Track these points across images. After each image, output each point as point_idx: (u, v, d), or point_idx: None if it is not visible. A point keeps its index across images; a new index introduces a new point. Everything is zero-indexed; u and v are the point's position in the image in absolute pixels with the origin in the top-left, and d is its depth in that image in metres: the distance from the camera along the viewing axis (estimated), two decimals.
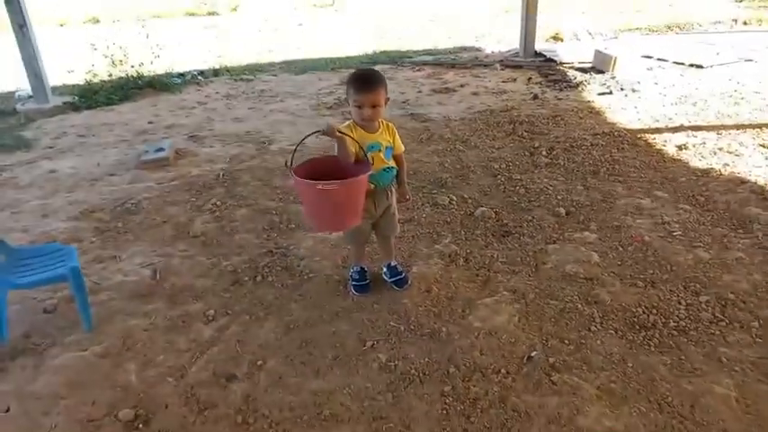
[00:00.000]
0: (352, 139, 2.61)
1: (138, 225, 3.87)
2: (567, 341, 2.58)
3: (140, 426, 2.24)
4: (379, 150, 2.71)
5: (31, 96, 6.94)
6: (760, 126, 5.09)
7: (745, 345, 2.50)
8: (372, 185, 2.75)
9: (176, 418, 2.28)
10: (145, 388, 2.44)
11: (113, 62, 7.59)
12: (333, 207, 2.52)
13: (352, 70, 2.87)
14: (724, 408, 2.18)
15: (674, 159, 4.50)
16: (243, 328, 2.78)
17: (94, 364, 2.58)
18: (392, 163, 2.81)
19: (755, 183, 3.98)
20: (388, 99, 2.69)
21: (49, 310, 2.99)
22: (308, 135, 2.64)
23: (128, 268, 3.35)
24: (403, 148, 2.89)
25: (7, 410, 2.33)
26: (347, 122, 2.73)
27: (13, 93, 7.38)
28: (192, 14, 15.96)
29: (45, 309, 3.00)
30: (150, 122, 6.21)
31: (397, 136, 2.83)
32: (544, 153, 4.72)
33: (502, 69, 7.82)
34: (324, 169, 2.59)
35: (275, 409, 2.29)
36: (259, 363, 2.55)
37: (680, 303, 2.78)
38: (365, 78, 2.61)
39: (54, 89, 7.27)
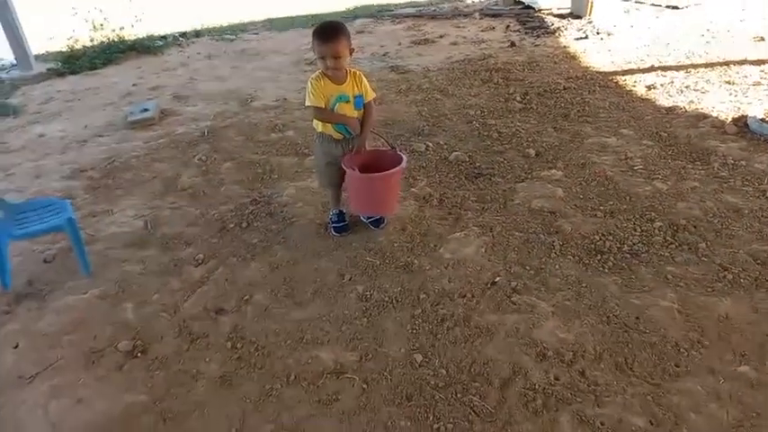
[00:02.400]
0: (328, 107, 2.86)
1: (129, 181, 4.05)
2: (528, 267, 2.80)
3: (139, 354, 2.48)
4: (348, 101, 2.87)
5: (14, 65, 6.99)
6: (727, 63, 5.23)
7: (691, 263, 2.73)
8: (341, 135, 2.95)
9: (171, 347, 2.51)
10: (141, 323, 2.66)
11: (94, 26, 7.61)
12: (372, 193, 3.01)
13: None
14: (666, 318, 2.41)
15: (643, 99, 4.66)
16: (230, 269, 3.00)
17: (94, 304, 2.80)
18: (359, 112, 2.96)
19: (717, 117, 4.15)
20: (353, 50, 2.83)
21: (48, 260, 3.19)
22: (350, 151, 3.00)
23: (121, 220, 3.54)
24: (374, 94, 3.03)
25: (16, 346, 2.55)
26: (316, 73, 2.88)
27: None
28: None
29: (45, 259, 3.20)
30: (134, 85, 6.30)
31: (366, 83, 2.97)
32: (518, 98, 4.86)
33: (481, 18, 7.86)
34: (370, 161, 3.00)
35: (261, 336, 2.53)
36: (246, 298, 2.78)
37: (635, 230, 3.00)
38: (326, 30, 2.74)
39: (37, 57, 7.31)
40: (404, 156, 2.97)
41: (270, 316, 2.65)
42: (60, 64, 7.01)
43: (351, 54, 2.82)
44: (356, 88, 2.91)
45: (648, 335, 2.34)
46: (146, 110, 5.18)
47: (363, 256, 3.00)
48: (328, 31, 2.75)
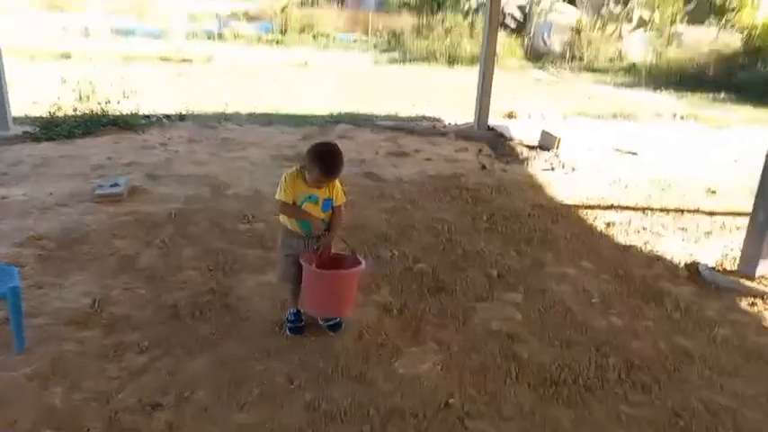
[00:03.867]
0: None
1: (84, 255, 3.92)
2: (483, 392, 2.75)
3: None
4: (316, 203, 2.94)
5: None
6: (681, 211, 5.55)
7: (644, 405, 2.73)
8: (305, 233, 2.98)
9: None
10: (69, 410, 2.47)
11: (80, 97, 7.70)
12: (326, 291, 3.06)
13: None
14: None
15: (602, 234, 4.86)
16: (175, 360, 2.86)
17: (21, 384, 2.61)
18: (326, 215, 3.03)
19: (670, 261, 4.34)
20: None
21: None
22: (318, 243, 3.04)
23: (68, 296, 3.39)
24: (344, 199, 3.10)
25: None
26: (293, 170, 2.97)
27: None
28: (167, 60, 16.25)
29: None
30: (109, 158, 6.29)
31: (339, 188, 3.05)
32: (485, 219, 5.02)
33: (456, 140, 8.26)
34: (329, 263, 3.04)
35: None
36: (186, 394, 2.63)
37: (590, 363, 3.01)
38: (335, 167, 2.90)
39: (16, 119, 7.29)
40: (363, 261, 3.01)
41: (209, 417, 2.50)
42: (38, 129, 6.99)
43: None
44: (328, 192, 2.98)
45: None
46: (116, 185, 5.14)
47: (316, 361, 2.91)
48: (336, 167, 2.90)
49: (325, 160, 2.88)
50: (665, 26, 20.54)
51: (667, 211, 5.57)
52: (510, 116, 10.33)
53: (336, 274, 2.99)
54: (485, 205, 5.41)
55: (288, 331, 3.13)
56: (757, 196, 4.00)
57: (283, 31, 24.40)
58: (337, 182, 3.04)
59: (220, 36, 22.28)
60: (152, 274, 3.72)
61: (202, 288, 3.56)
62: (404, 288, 3.73)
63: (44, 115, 7.41)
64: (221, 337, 3.08)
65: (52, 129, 7.01)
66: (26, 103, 8.41)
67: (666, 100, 13.97)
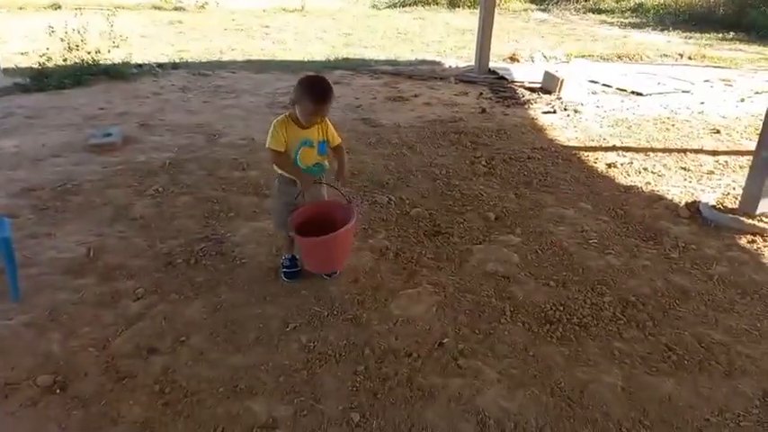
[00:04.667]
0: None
1: (78, 205, 3.90)
2: (477, 331, 2.76)
3: (58, 391, 2.31)
4: (311, 146, 2.87)
5: None
6: (684, 151, 5.45)
7: (638, 341, 2.73)
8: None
9: (94, 385, 2.34)
10: (66, 356, 2.49)
11: (69, 47, 7.53)
12: (321, 253, 2.96)
13: (309, 73, 3.01)
14: (609, 394, 2.38)
15: (603, 176, 4.79)
16: (171, 307, 2.86)
17: (18, 332, 2.62)
18: (323, 158, 2.96)
19: (671, 200, 4.28)
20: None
21: None
22: (297, 196, 2.96)
23: (62, 245, 3.38)
24: (339, 140, 3.03)
25: None
26: (281, 116, 2.88)
27: None
28: (159, 8, 15.81)
29: None
30: (101, 108, 6.19)
31: (332, 129, 2.98)
32: (484, 162, 4.94)
33: (456, 83, 8.09)
34: (314, 215, 2.97)
35: (193, 381, 2.39)
36: (182, 339, 2.64)
37: (585, 302, 3.00)
38: (324, 92, 2.78)
39: (5, 71, 7.17)
40: (355, 212, 2.94)
41: (205, 360, 2.52)
42: (28, 80, 6.87)
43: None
44: (321, 134, 2.92)
45: (591, 410, 2.29)
46: (109, 134, 5.07)
47: (311, 304, 2.92)
48: (324, 95, 2.79)
49: (313, 88, 2.79)
50: None
51: (670, 151, 5.47)
52: (512, 59, 10.07)
53: (328, 239, 2.79)
54: (484, 149, 5.33)
55: (283, 276, 3.12)
56: (761, 134, 3.90)
57: None
58: (329, 122, 2.96)
59: None
60: (146, 222, 3.70)
61: (197, 236, 3.55)
62: (400, 233, 3.70)
63: (34, 66, 7.26)
64: (216, 283, 3.07)
65: (42, 80, 6.88)
66: (15, 54, 8.24)
67: (674, 40, 13.58)
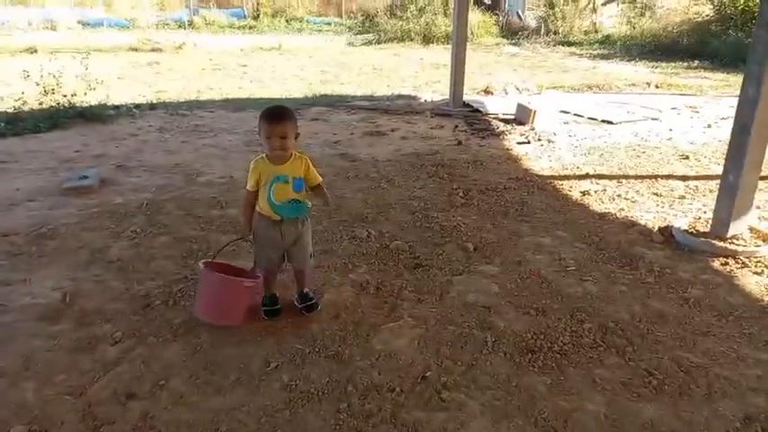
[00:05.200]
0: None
1: (53, 250, 3.85)
2: (459, 362, 2.75)
3: None
4: (286, 182, 2.87)
5: None
6: (655, 177, 5.59)
7: (618, 367, 2.75)
8: (279, 217, 2.92)
9: None
10: (41, 405, 2.43)
11: (45, 91, 7.53)
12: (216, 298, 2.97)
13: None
14: (593, 422, 2.38)
15: (577, 203, 4.88)
16: (149, 350, 2.82)
17: None
18: (302, 196, 2.95)
19: (645, 226, 4.37)
20: (298, 134, 2.89)
21: None
22: (227, 245, 3.25)
23: (37, 291, 3.33)
24: (320, 179, 3.03)
25: None
26: (259, 156, 2.91)
27: None
28: (136, 50, 15.94)
29: None
30: (77, 151, 6.17)
31: (312, 168, 2.98)
32: (461, 194, 5.01)
33: (432, 117, 8.24)
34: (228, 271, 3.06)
35: (172, 426, 2.34)
36: (161, 382, 2.59)
37: (565, 330, 3.02)
38: (274, 112, 2.83)
39: None
40: (259, 277, 3.03)
41: (185, 404, 2.47)
42: (3, 124, 6.83)
43: (296, 138, 2.87)
44: (298, 171, 2.92)
45: None
46: (85, 177, 5.05)
47: (293, 342, 2.89)
48: (275, 113, 2.84)
49: (267, 110, 2.86)
50: None
51: (642, 177, 5.61)
52: (486, 91, 10.31)
53: (229, 281, 2.92)
54: (461, 180, 5.40)
55: (263, 314, 3.10)
56: (727, 159, 4.03)
57: (256, 17, 24.06)
58: (308, 161, 2.96)
59: (191, 24, 21.92)
60: (123, 265, 3.66)
61: (175, 276, 3.52)
62: (380, 266, 3.71)
63: (9, 110, 7.23)
64: (195, 324, 3.03)
65: (17, 124, 6.87)
66: None
67: (641, 69, 14.04)
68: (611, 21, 21.88)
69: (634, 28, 19.65)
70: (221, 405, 2.46)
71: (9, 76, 9.52)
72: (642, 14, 20.16)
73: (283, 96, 9.79)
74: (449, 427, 2.34)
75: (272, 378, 2.64)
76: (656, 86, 11.57)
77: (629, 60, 15.65)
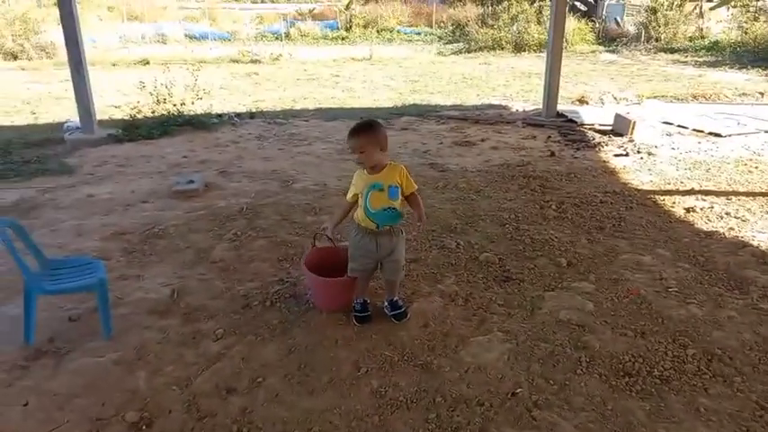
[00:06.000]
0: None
1: (163, 249, 4.15)
2: (552, 381, 2.69)
3: (144, 427, 2.42)
4: (381, 190, 2.95)
5: (78, 128, 7.45)
6: None
7: (725, 397, 2.58)
8: (375, 225, 3.00)
9: (177, 423, 2.45)
10: (151, 394, 2.62)
11: (158, 100, 8.14)
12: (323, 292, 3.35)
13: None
14: None
15: (681, 221, 4.62)
16: (248, 348, 2.97)
17: (109, 369, 2.79)
18: (397, 204, 3.01)
19: (758, 247, 4.06)
20: (383, 147, 2.97)
21: (73, 319, 3.23)
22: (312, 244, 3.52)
23: (149, 286, 3.60)
24: (415, 187, 3.08)
25: (26, 404, 2.54)
26: (360, 167, 3.02)
27: (64, 123, 7.93)
28: (236, 61, 16.84)
29: (70, 317, 3.25)
30: (185, 157, 6.61)
31: (408, 177, 3.04)
32: (554, 207, 4.89)
33: (523, 127, 8.09)
34: (330, 257, 3.40)
35: (269, 423, 2.45)
36: (259, 380, 2.73)
37: (666, 354, 2.87)
38: (353, 127, 3.02)
39: (101, 123, 7.80)
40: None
41: (280, 402, 2.58)
42: (120, 131, 7.45)
43: (382, 150, 2.96)
44: (392, 179, 2.98)
45: None
46: (191, 181, 5.40)
47: (382, 349, 2.95)
48: (354, 128, 3.02)
49: (351, 129, 3.02)
50: (751, 0, 19.14)
51: (754, 194, 5.21)
52: (581, 101, 10.00)
53: (319, 281, 3.25)
54: (554, 193, 5.27)
55: (354, 320, 3.18)
56: None
57: (348, 28, 24.69)
58: (404, 169, 3.03)
59: (287, 36, 22.84)
60: (225, 265, 3.88)
61: (272, 278, 3.68)
62: (469, 278, 3.70)
63: (125, 118, 7.88)
64: (290, 325, 3.17)
65: (133, 130, 7.45)
66: (109, 107, 8.97)
67: (753, 78, 13.06)
68: (720, 26, 20.50)
69: (746, 33, 18.31)
70: (314, 406, 2.55)
71: (125, 86, 10.37)
72: (756, 19, 18.75)
73: (373, 106, 9.98)
74: None
75: (361, 383, 2.70)
76: None
77: (739, 68, 14.60)
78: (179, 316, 3.28)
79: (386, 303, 3.26)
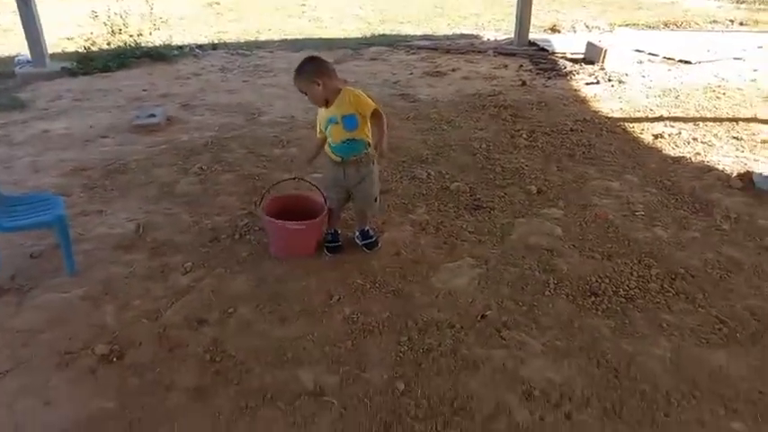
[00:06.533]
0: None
1: (126, 184, 4.02)
2: (520, 303, 2.74)
3: (114, 359, 2.40)
4: (336, 123, 2.86)
5: (29, 61, 7.03)
6: (736, 120, 5.23)
7: (687, 313, 2.66)
8: (339, 158, 2.94)
9: (148, 354, 2.44)
10: (120, 327, 2.59)
11: (113, 31, 7.70)
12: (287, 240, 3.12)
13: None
14: (658, 366, 2.34)
15: (649, 147, 4.65)
16: (218, 280, 2.94)
17: (75, 304, 2.74)
18: (357, 134, 2.89)
19: (722, 171, 4.13)
20: (320, 83, 2.78)
21: (35, 256, 3.14)
22: (282, 181, 3.41)
23: (112, 222, 3.50)
24: (373, 106, 2.84)
25: None
26: None
27: (14, 57, 7.48)
28: None
29: (32, 254, 3.15)
30: (144, 90, 6.33)
31: (362, 98, 2.83)
32: (524, 136, 4.86)
33: (495, 56, 7.93)
34: (288, 205, 3.20)
35: (241, 351, 2.45)
36: (230, 310, 2.71)
37: (632, 275, 2.94)
38: (295, 71, 2.87)
39: (53, 56, 7.37)
40: (323, 212, 3.08)
41: (252, 331, 2.58)
42: (75, 64, 7.06)
43: (323, 86, 2.80)
44: (345, 108, 2.83)
45: (639, 382, 2.26)
46: (152, 115, 5.19)
47: (354, 277, 2.95)
48: (295, 72, 2.88)
49: None
50: None
51: (721, 120, 5.26)
52: (553, 29, 9.82)
53: (284, 227, 3.03)
54: (525, 122, 5.23)
55: (326, 250, 3.16)
56: None
57: None
58: (353, 93, 2.84)
59: None
60: (191, 200, 3.79)
61: (240, 212, 3.61)
62: (440, 207, 3.68)
63: (79, 50, 7.46)
64: (260, 258, 3.13)
65: (87, 63, 7.08)
66: (62, 39, 8.47)
67: (725, 5, 12.96)
68: None
69: None
70: (286, 334, 2.56)
71: (78, 18, 9.75)
72: None
73: (342, 36, 9.63)
74: (508, 363, 2.35)
75: (334, 310, 2.71)
76: (741, 24, 10.69)
77: None
78: (145, 250, 3.21)
79: (357, 233, 3.24)
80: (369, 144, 2.96)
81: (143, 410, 2.15)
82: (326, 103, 2.86)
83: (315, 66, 2.84)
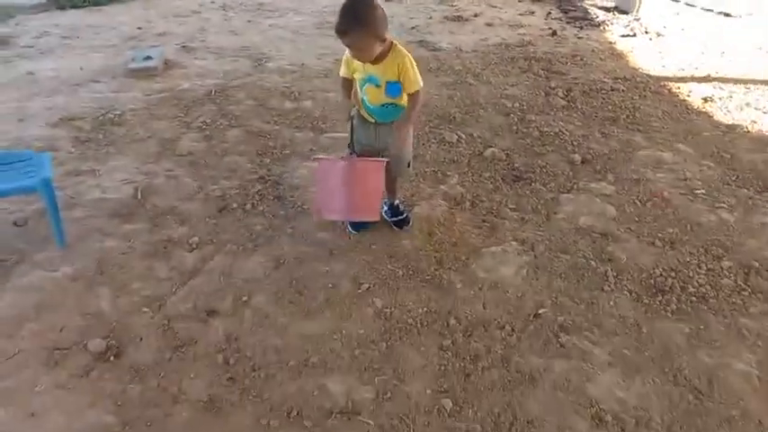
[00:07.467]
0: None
1: (121, 138, 3.58)
2: (577, 300, 2.39)
3: (111, 358, 2.07)
4: (378, 86, 2.39)
5: None
6: None
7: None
8: (373, 120, 2.52)
9: (151, 353, 2.10)
10: (118, 317, 2.25)
11: None
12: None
13: None
14: (744, 385, 2.02)
15: (699, 112, 4.21)
16: (229, 260, 2.57)
17: (65, 286, 2.38)
18: (395, 100, 2.45)
19: None
20: (378, 36, 2.25)
21: (19, 224, 2.76)
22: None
23: (107, 184, 3.10)
24: (417, 86, 2.40)
25: None
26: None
27: None
28: None
29: (15, 222, 2.77)
30: (140, 28, 5.76)
31: (411, 72, 2.37)
32: (561, 94, 4.40)
33: (520, 1, 7.32)
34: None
35: (259, 351, 2.12)
36: (244, 298, 2.36)
37: (700, 267, 2.59)
38: (339, 24, 2.22)
39: None
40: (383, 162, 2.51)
41: (271, 325, 2.24)
42: None
43: (380, 39, 2.27)
44: (391, 74, 2.36)
45: (725, 406, 1.94)
46: (149, 58, 4.68)
47: (384, 262, 2.58)
48: (340, 26, 2.22)
49: (338, 15, 2.25)
50: None
51: None
52: None
53: (351, 165, 2.49)
54: (559, 78, 4.75)
55: (349, 227, 2.77)
56: None
57: None
58: (406, 62, 2.37)
59: None
60: (195, 159, 3.37)
61: (251, 176, 3.21)
62: (475, 177, 3.29)
63: None
64: (276, 233, 2.76)
65: None
66: None
67: None
68: None
69: None
70: (310, 330, 2.22)
71: None
72: None
73: None
74: (572, 378, 2.03)
75: (363, 302, 2.36)
76: None
77: None
78: (145, 220, 2.83)
79: (385, 208, 2.84)
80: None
81: (146, 427, 1.82)
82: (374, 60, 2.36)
83: (373, 16, 2.23)
